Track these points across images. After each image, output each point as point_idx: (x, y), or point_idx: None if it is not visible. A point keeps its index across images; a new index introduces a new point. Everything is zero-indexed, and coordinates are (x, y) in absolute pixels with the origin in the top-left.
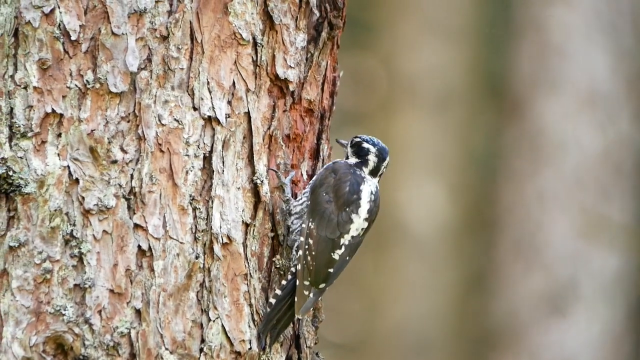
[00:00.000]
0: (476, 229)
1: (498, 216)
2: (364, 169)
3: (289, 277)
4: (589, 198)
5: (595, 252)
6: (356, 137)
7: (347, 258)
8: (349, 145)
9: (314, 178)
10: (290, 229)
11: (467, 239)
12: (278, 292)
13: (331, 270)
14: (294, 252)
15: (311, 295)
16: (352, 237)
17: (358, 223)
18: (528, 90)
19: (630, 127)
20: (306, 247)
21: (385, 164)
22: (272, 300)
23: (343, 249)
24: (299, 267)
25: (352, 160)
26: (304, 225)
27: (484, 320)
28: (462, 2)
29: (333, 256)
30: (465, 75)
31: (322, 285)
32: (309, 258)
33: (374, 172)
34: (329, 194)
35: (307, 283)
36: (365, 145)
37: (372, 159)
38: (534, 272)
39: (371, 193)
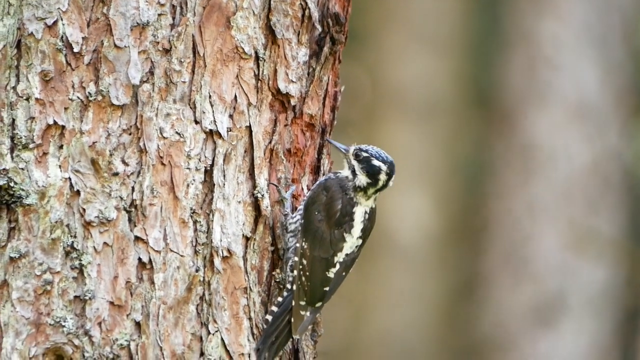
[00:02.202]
0: (463, 239)
1: (486, 227)
2: (370, 189)
3: (285, 293)
4: (577, 210)
5: (583, 264)
6: (361, 149)
7: (343, 274)
8: (352, 157)
9: (307, 195)
10: (287, 246)
11: (454, 248)
12: (274, 309)
13: (327, 288)
14: (288, 271)
15: (308, 314)
16: (347, 254)
17: (352, 242)
18: (517, 102)
19: (618, 140)
20: (300, 267)
21: (392, 179)
22: (269, 317)
23: (338, 266)
24: (294, 287)
25: (362, 179)
26: (297, 245)
27: (471, 330)
28: (450, 12)
29: (328, 275)
30: (452, 85)
31: (318, 304)
32: (303, 278)
33: (381, 189)
34: (320, 212)
35: (303, 303)
36: (376, 162)
37: (382, 178)
38: (522, 283)
39: (365, 213)
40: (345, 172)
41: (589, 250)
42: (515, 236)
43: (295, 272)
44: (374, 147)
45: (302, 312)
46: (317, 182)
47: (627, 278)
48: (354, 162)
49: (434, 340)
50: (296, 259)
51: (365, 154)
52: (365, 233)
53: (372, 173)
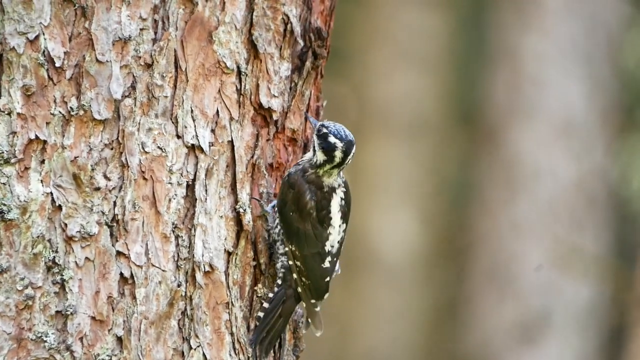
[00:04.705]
0: (448, 257)
1: (471, 245)
2: (326, 166)
3: (276, 289)
4: (562, 228)
5: (568, 282)
6: (323, 126)
7: (335, 259)
8: (315, 133)
9: (277, 198)
10: (279, 252)
11: (439, 267)
12: (266, 305)
13: (328, 279)
14: (279, 267)
15: (319, 308)
16: (337, 241)
17: (336, 231)
18: (502, 119)
19: (604, 157)
20: (297, 270)
21: (350, 157)
22: (261, 314)
23: (330, 255)
24: (299, 290)
25: (319, 155)
26: (286, 249)
27: (455, 348)
28: (435, 30)
29: (324, 266)
30: (438, 103)
31: (326, 296)
32: (304, 279)
33: (337, 166)
34: (294, 212)
35: (313, 301)
36: (332, 139)
37: (338, 155)
38: (507, 301)
39: (341, 199)
40: (309, 154)
41: (574, 268)
42: (499, 254)
43: (295, 275)
44: (336, 125)
45: (316, 309)
46: (282, 181)
47: (612, 296)
48: (315, 138)
49: (418, 358)
50: (290, 262)
51: (325, 130)
52: (346, 217)
53: (328, 150)
